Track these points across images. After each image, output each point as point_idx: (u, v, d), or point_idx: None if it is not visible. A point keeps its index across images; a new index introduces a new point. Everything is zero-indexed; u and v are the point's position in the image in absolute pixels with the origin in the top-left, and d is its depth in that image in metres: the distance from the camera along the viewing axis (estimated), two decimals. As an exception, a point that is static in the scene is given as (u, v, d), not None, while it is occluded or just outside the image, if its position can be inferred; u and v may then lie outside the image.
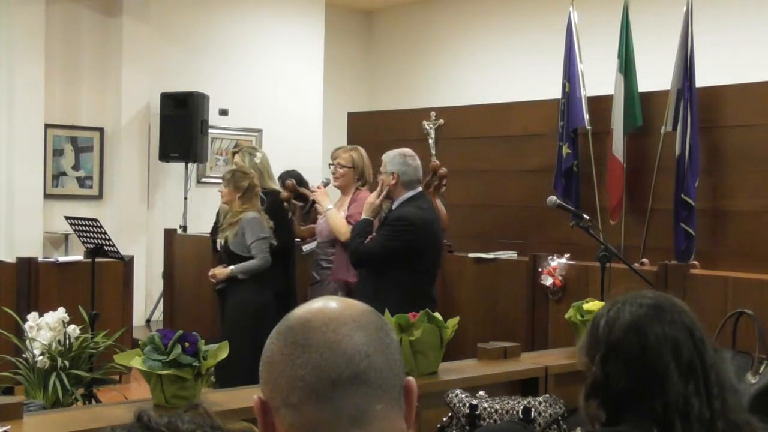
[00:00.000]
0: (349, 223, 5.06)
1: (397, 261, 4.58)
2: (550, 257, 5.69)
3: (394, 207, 4.75)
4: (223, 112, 9.19)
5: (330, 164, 5.41)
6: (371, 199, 4.79)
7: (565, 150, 6.85)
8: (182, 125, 8.39)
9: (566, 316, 4.01)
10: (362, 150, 5.37)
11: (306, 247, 5.37)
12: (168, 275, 7.55)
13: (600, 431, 1.83)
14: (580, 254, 5.67)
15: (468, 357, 3.84)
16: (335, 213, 5.12)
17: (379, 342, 1.13)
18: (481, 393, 2.98)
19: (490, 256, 6.08)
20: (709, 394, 1.78)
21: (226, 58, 9.26)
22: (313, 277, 5.35)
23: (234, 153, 6.11)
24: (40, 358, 4.25)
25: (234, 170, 5.35)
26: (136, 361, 2.84)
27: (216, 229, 5.91)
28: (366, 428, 1.09)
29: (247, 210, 5.21)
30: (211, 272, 5.29)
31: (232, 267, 5.19)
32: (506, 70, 9.51)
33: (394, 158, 4.70)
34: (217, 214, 6.01)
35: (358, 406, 1.09)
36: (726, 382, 1.84)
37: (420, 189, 4.78)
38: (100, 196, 8.64)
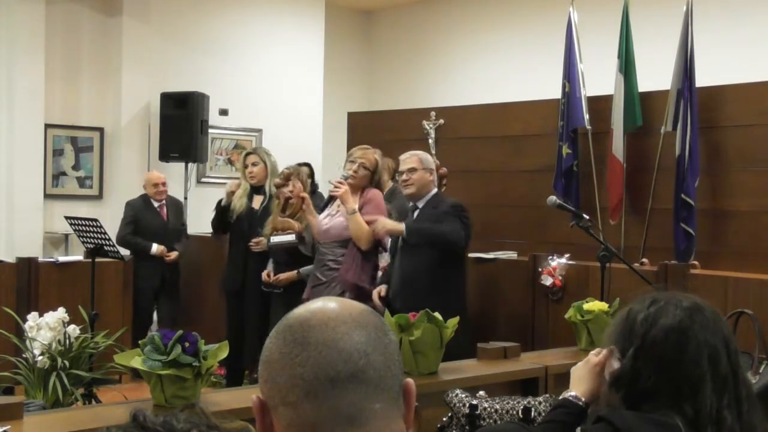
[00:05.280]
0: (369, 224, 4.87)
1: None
2: (550, 257, 5.69)
3: (421, 205, 4.79)
4: (223, 112, 9.17)
5: (351, 161, 5.03)
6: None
7: (565, 150, 6.85)
8: (182, 125, 8.38)
9: (566, 316, 4.02)
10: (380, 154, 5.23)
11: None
12: (168, 275, 7.54)
13: (624, 413, 1.79)
14: (580, 254, 5.67)
15: (468, 357, 3.84)
16: (359, 218, 4.81)
17: (377, 341, 1.13)
18: (481, 393, 2.98)
19: (490, 256, 6.09)
20: (739, 410, 1.76)
21: (226, 58, 9.25)
22: (316, 278, 5.01)
23: (248, 154, 6.06)
24: (40, 358, 4.25)
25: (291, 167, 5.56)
26: (136, 361, 2.83)
27: (225, 225, 5.84)
28: (364, 427, 1.09)
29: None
30: (273, 278, 5.29)
31: (299, 270, 5.31)
32: (506, 70, 9.50)
33: (428, 158, 4.93)
34: (223, 212, 5.91)
35: (356, 405, 1.09)
36: (753, 396, 1.82)
37: (437, 190, 5.00)
38: (100, 196, 8.63)
